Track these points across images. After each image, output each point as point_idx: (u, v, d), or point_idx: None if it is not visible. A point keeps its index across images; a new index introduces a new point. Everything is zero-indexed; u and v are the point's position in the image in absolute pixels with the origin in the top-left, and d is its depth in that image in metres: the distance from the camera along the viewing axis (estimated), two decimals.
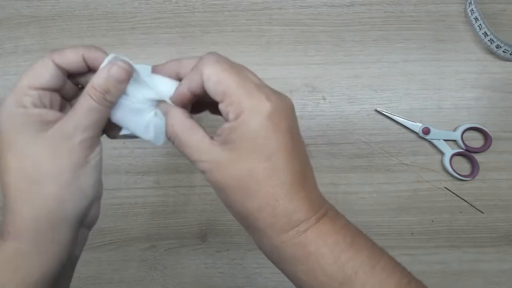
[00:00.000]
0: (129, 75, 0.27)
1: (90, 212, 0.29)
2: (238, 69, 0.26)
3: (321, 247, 0.25)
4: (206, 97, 0.26)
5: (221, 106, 0.25)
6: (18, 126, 0.25)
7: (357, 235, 0.26)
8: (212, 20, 0.53)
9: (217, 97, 0.25)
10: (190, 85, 0.26)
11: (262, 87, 0.26)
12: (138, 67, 0.27)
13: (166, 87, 0.28)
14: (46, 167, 0.25)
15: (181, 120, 0.27)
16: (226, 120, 0.25)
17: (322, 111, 0.52)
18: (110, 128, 0.29)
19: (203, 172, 0.26)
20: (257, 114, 0.24)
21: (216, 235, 0.52)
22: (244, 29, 0.53)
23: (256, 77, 0.27)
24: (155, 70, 0.28)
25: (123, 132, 0.28)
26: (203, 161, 0.26)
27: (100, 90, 0.26)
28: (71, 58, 0.26)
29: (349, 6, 0.53)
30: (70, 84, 0.28)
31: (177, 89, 0.27)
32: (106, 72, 0.26)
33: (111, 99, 0.26)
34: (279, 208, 0.25)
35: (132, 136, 0.28)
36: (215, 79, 0.25)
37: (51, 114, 0.26)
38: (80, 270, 0.51)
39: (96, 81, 0.26)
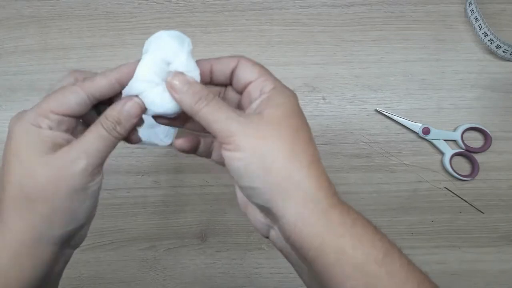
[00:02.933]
0: (142, 111, 0.27)
1: (78, 234, 0.28)
2: None
3: (361, 217, 0.25)
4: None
5: (257, 82, 0.27)
6: (28, 143, 0.25)
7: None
8: (212, 20, 0.53)
9: (252, 76, 0.27)
10: (219, 67, 0.28)
11: None
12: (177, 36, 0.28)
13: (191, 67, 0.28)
14: (44, 187, 0.25)
15: (205, 90, 0.27)
16: (253, 98, 0.27)
17: (322, 111, 0.52)
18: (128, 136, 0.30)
19: (237, 133, 0.25)
20: (290, 92, 0.27)
21: (216, 235, 0.52)
22: (244, 29, 0.53)
23: None
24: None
25: (144, 140, 0.28)
26: (243, 117, 0.25)
27: (112, 120, 0.26)
28: (101, 84, 0.27)
29: (349, 6, 0.53)
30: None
31: (202, 65, 0.28)
32: (121, 105, 0.27)
33: (121, 131, 0.27)
34: (322, 171, 0.26)
35: (148, 143, 0.29)
36: (252, 63, 0.28)
37: (63, 137, 0.26)
38: (80, 270, 0.51)
39: (109, 112, 0.26)
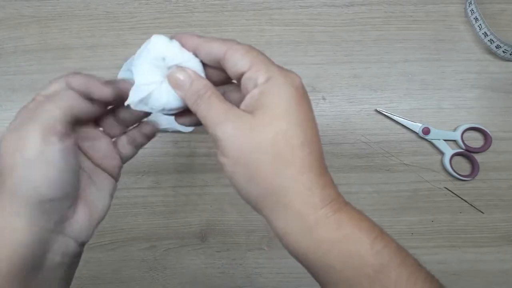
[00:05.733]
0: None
1: (70, 219, 0.27)
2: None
3: (356, 230, 0.23)
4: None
5: (248, 74, 0.24)
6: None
7: (381, 227, 0.25)
8: (212, 20, 0.53)
9: (243, 67, 0.24)
10: (204, 51, 0.26)
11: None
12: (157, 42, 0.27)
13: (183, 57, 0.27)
14: (5, 155, 0.25)
15: (211, 84, 0.26)
16: (248, 91, 0.25)
17: (322, 111, 0.52)
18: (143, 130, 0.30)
19: (225, 137, 0.24)
20: (289, 80, 0.24)
21: (216, 235, 0.52)
22: (244, 29, 0.53)
23: None
24: (179, 38, 0.27)
25: (162, 127, 0.28)
26: (229, 124, 0.24)
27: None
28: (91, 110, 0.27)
29: (349, 6, 0.53)
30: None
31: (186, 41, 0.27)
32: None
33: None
34: (314, 180, 0.24)
35: (171, 130, 0.28)
36: (244, 51, 0.25)
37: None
38: (80, 270, 0.51)
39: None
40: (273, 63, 0.25)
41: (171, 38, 0.27)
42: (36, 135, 0.24)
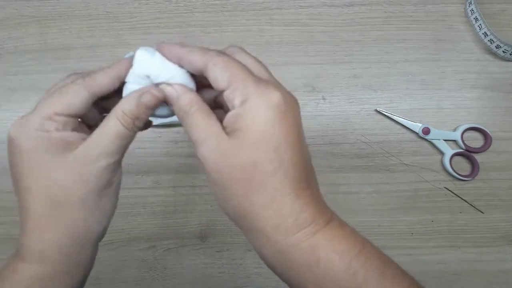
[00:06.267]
0: (160, 100, 0.26)
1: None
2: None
3: (332, 252, 0.23)
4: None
5: (226, 93, 0.24)
6: (40, 148, 0.24)
7: (365, 242, 0.25)
8: (212, 20, 0.53)
9: (222, 84, 0.24)
10: (191, 65, 0.25)
11: (271, 79, 0.26)
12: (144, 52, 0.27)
13: (170, 70, 0.27)
14: (72, 190, 0.25)
15: (198, 98, 0.26)
16: (230, 109, 0.24)
17: (322, 111, 0.52)
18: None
19: (203, 158, 0.24)
20: (265, 101, 0.23)
21: (216, 235, 0.52)
22: (244, 29, 0.53)
23: (267, 72, 0.27)
24: (161, 50, 0.27)
25: (156, 122, 0.28)
26: (208, 145, 0.24)
27: (131, 116, 0.25)
28: (103, 82, 0.26)
29: (349, 6, 0.53)
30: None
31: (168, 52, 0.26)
32: (136, 98, 0.25)
33: (140, 124, 0.26)
34: (286, 205, 0.24)
35: (164, 124, 0.28)
36: (223, 66, 0.24)
37: (74, 136, 0.25)
38: None
39: (127, 107, 0.25)
40: (252, 79, 0.24)
41: (156, 49, 0.27)
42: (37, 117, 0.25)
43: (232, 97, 0.24)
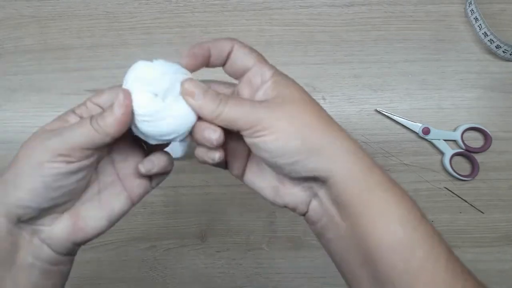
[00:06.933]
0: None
1: (51, 225, 0.27)
2: None
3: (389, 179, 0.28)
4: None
5: (253, 69, 0.28)
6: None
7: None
8: (212, 20, 0.53)
9: (250, 62, 0.28)
10: (215, 51, 0.28)
11: None
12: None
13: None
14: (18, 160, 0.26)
15: (219, 92, 0.27)
16: (253, 84, 0.28)
17: None
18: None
19: (269, 118, 0.25)
20: (289, 78, 0.28)
21: (216, 235, 0.52)
22: (244, 29, 0.53)
23: None
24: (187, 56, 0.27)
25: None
26: (269, 103, 0.26)
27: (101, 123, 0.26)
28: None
29: (349, 6, 0.53)
30: None
31: (201, 49, 0.27)
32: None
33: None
34: (348, 136, 0.27)
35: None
36: (248, 49, 0.28)
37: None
38: (80, 270, 0.51)
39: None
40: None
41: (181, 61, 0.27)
42: (50, 152, 0.25)
43: (263, 71, 0.28)
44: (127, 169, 0.30)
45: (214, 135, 0.26)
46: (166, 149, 0.31)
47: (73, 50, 0.53)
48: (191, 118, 0.26)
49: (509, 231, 0.51)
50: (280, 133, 0.25)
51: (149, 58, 0.26)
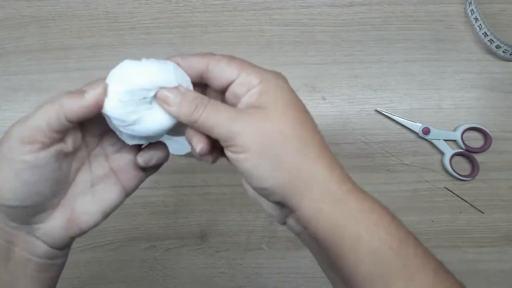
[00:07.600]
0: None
1: (45, 220, 0.27)
2: None
3: (377, 203, 0.25)
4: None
5: (238, 81, 0.25)
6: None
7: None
8: (212, 20, 0.53)
9: (231, 75, 0.25)
10: (190, 69, 0.26)
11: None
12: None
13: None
14: None
15: (199, 96, 0.25)
16: (240, 97, 0.25)
17: (322, 111, 0.52)
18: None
19: (241, 132, 0.24)
20: (280, 80, 0.26)
21: (216, 235, 0.52)
22: (244, 29, 0.53)
23: None
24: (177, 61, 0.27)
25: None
26: (246, 115, 0.24)
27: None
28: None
29: (349, 6, 0.53)
30: None
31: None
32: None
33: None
34: (332, 158, 0.25)
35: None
36: (227, 60, 0.26)
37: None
38: (80, 270, 0.51)
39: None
40: (258, 66, 0.26)
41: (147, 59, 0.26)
42: (15, 142, 0.24)
43: (249, 79, 0.25)
44: (121, 161, 0.29)
45: (197, 147, 0.26)
46: (174, 146, 0.31)
47: (73, 50, 0.53)
48: (168, 120, 0.26)
49: (509, 231, 0.51)
50: (250, 153, 0.24)
51: (149, 57, 0.26)
